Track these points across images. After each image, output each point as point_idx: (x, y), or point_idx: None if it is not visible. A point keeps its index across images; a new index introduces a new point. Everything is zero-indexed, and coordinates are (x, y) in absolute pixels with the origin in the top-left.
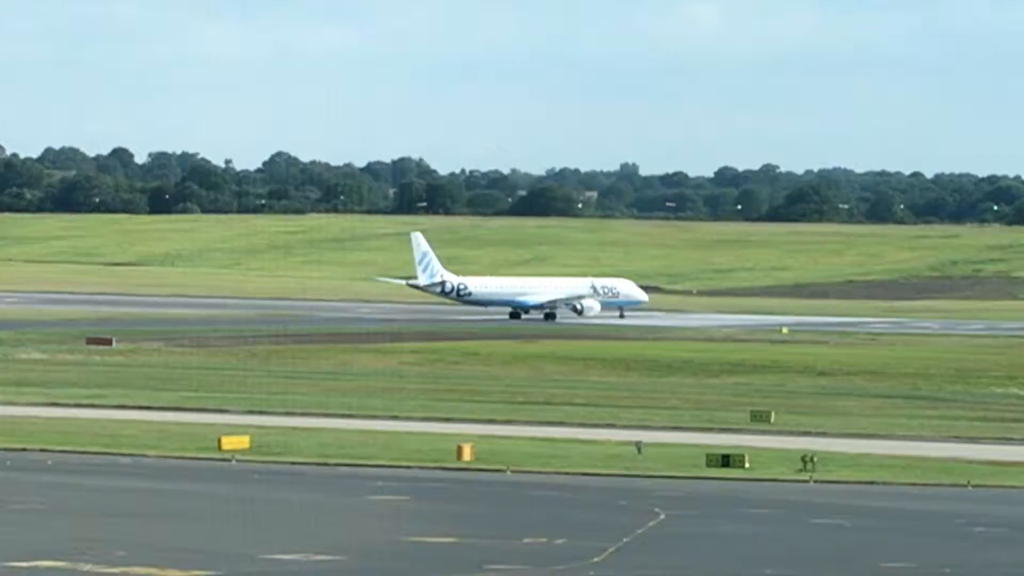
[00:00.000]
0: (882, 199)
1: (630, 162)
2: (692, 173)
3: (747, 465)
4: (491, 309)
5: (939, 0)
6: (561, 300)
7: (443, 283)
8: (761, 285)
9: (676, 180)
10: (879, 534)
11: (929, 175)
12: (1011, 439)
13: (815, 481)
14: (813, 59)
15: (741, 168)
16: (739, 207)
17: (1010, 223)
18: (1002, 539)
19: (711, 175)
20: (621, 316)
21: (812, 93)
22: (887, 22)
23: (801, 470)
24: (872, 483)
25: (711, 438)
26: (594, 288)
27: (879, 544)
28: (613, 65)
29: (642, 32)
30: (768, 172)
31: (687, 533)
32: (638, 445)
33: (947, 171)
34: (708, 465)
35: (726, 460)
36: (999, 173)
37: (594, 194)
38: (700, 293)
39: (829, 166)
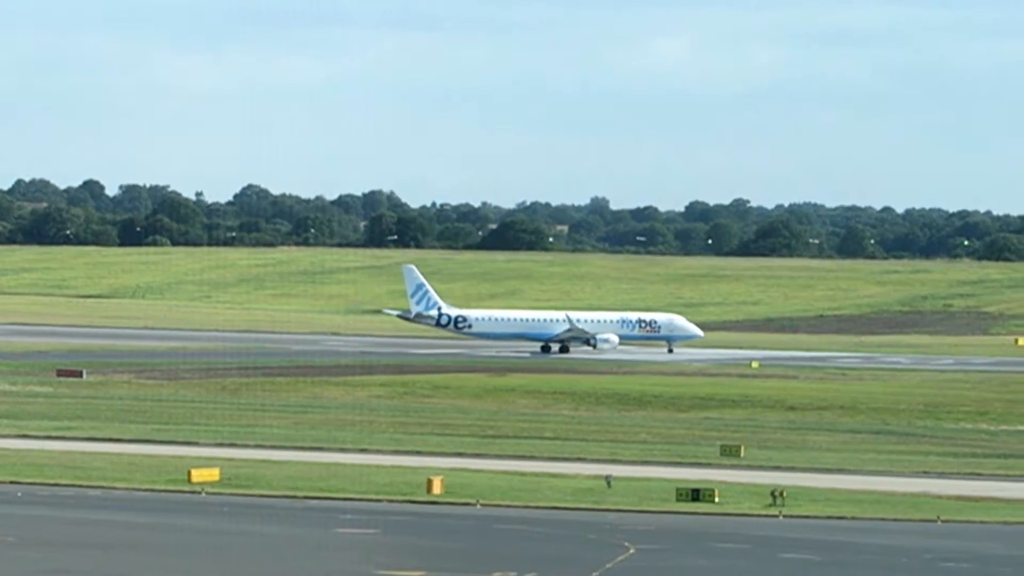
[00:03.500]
0: (852, 234)
1: (601, 196)
2: (663, 207)
3: (717, 499)
4: (512, 343)
5: (907, 35)
6: (577, 333)
7: (440, 315)
8: (731, 319)
9: (647, 214)
10: (848, 569)
11: (899, 210)
12: (980, 474)
13: (784, 516)
14: (783, 94)
15: (712, 202)
16: (709, 241)
17: (980, 258)
18: (970, 574)
19: (682, 209)
20: (670, 351)
21: (782, 128)
22: (855, 57)
23: (770, 504)
24: (841, 518)
25: (681, 472)
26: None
27: None
28: (583, 99)
29: (612, 66)
30: (739, 207)
31: (656, 568)
32: (608, 479)
33: (918, 206)
34: (678, 499)
35: (696, 494)
36: (970, 208)
37: (565, 228)
38: None
39: (799, 201)
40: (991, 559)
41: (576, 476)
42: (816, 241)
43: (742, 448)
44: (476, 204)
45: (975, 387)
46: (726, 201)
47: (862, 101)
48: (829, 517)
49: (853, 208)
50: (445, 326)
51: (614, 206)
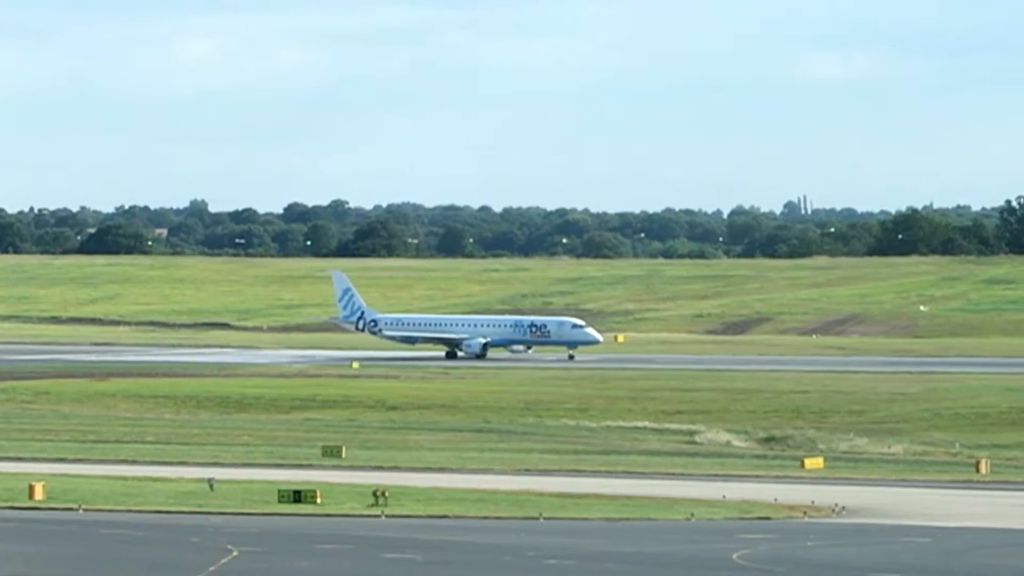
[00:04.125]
0: (451, 233)
1: (199, 199)
2: (261, 210)
3: (319, 500)
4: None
5: (429, 36)
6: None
7: (360, 319)
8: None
9: (245, 217)
10: (452, 568)
11: (498, 209)
12: (582, 471)
13: (387, 516)
14: (369, 96)
15: (310, 204)
16: (308, 243)
17: (579, 256)
18: (573, 571)
19: (280, 211)
20: (571, 357)
21: (377, 128)
22: (395, 56)
23: (373, 505)
24: (444, 517)
25: (283, 474)
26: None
27: None
28: (168, 103)
29: (189, 70)
30: (337, 208)
31: (259, 570)
32: (210, 482)
33: (515, 205)
34: (280, 501)
35: (298, 496)
36: (568, 206)
37: (164, 231)
38: (270, 329)
39: (398, 201)
40: (594, 555)
41: (179, 479)
42: (415, 241)
43: (343, 449)
44: (75, 209)
45: (576, 384)
46: (325, 202)
47: (453, 102)
48: (431, 516)
49: (452, 207)
50: (361, 330)
51: (213, 209)
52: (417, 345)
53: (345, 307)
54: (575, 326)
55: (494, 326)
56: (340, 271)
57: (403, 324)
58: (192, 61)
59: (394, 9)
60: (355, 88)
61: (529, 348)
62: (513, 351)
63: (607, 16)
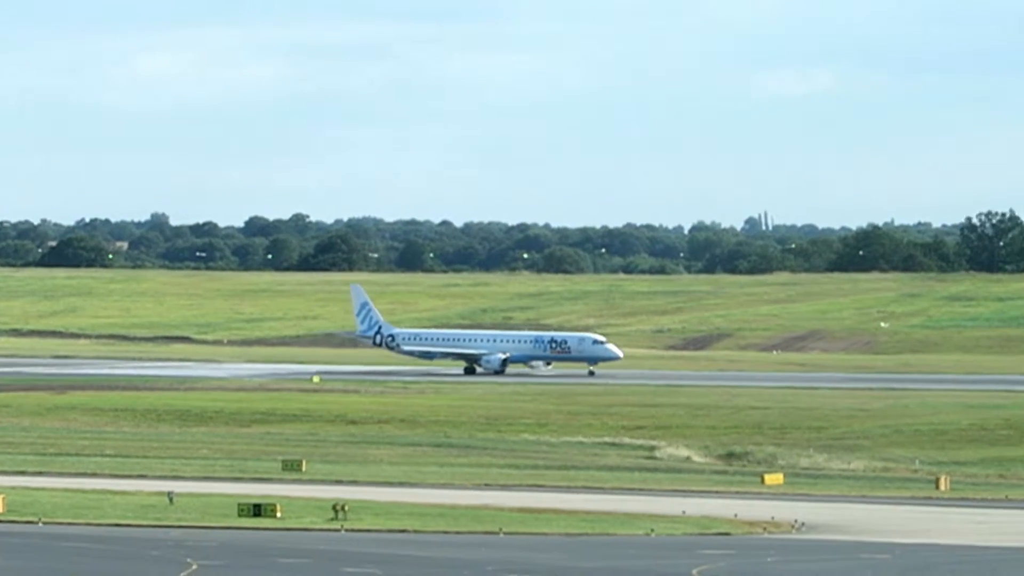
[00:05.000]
0: (411, 247)
1: (160, 212)
2: (222, 223)
3: (279, 515)
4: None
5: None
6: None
7: (378, 333)
8: (292, 334)
9: (206, 230)
10: None
11: (458, 223)
12: (542, 486)
13: (347, 530)
14: (330, 110)
15: (271, 218)
16: (269, 256)
17: (539, 271)
18: None
19: (241, 225)
20: (591, 373)
21: (338, 142)
22: (357, 72)
23: (333, 519)
24: (404, 531)
25: (243, 487)
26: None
27: None
28: (136, 115)
29: (156, 81)
30: (298, 222)
31: None
32: (170, 495)
33: (476, 219)
34: (240, 515)
35: (258, 510)
36: (528, 221)
37: (124, 244)
38: (231, 343)
39: (359, 215)
40: (553, 570)
41: (138, 493)
42: (375, 255)
43: (304, 463)
44: (36, 222)
45: (535, 399)
46: (286, 216)
47: (411, 115)
48: (391, 531)
49: (412, 222)
50: (379, 345)
51: (174, 222)
52: (435, 360)
53: (363, 321)
54: (596, 342)
55: (514, 341)
56: (359, 285)
57: (421, 339)
58: (154, 75)
59: (357, 24)
60: (316, 102)
61: (548, 364)
62: (532, 367)
63: (570, 33)
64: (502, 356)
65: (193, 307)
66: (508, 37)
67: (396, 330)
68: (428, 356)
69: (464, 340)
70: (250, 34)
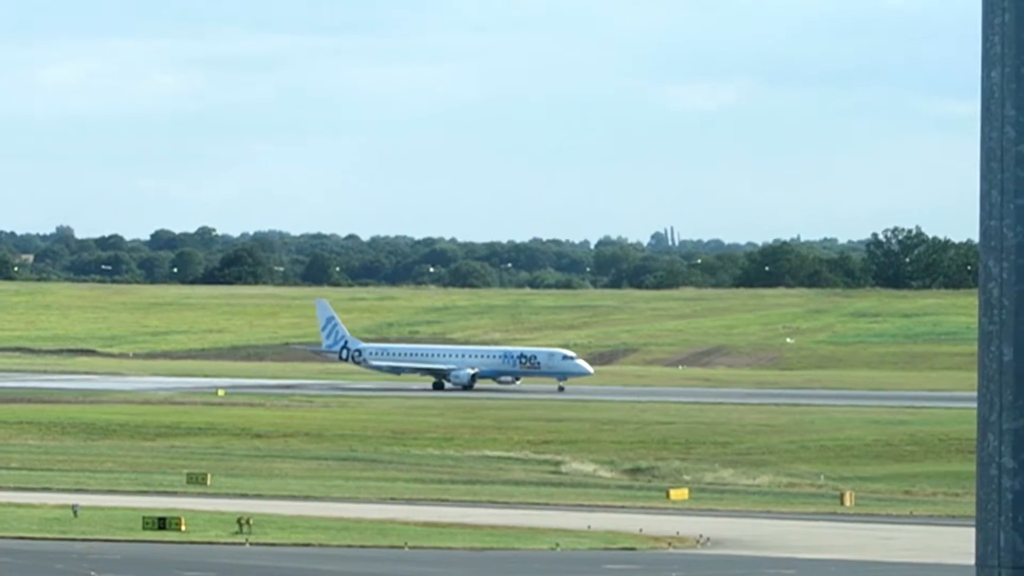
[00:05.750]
0: (317, 261)
1: (65, 225)
2: (128, 236)
3: (183, 528)
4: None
5: (293, 64)
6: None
7: (344, 348)
8: (197, 348)
9: (112, 243)
10: None
11: (365, 237)
12: (447, 501)
13: (251, 543)
14: (236, 123)
15: (177, 231)
16: (175, 270)
17: (446, 285)
18: None
19: (147, 238)
20: (561, 389)
21: (244, 156)
22: (260, 83)
23: (237, 532)
24: (308, 545)
25: (147, 501)
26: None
27: None
28: (41, 126)
29: (60, 91)
30: (204, 235)
31: None
32: (74, 508)
33: (383, 233)
34: (144, 528)
35: (162, 523)
36: (435, 235)
37: (30, 257)
38: (136, 356)
39: (264, 228)
40: None
41: (43, 506)
42: (281, 269)
43: (209, 476)
44: None
45: (442, 413)
46: (191, 229)
47: (317, 128)
48: (296, 544)
49: (319, 236)
50: (346, 360)
51: (79, 235)
52: (402, 376)
53: (328, 336)
54: (565, 357)
55: (483, 357)
56: (324, 300)
57: (389, 354)
58: (58, 85)
59: (260, 36)
60: (222, 115)
61: (517, 379)
62: (501, 382)
63: (474, 44)
64: (471, 371)
65: (98, 320)
66: (414, 49)
67: (363, 344)
68: (396, 371)
69: (433, 355)
70: (155, 46)
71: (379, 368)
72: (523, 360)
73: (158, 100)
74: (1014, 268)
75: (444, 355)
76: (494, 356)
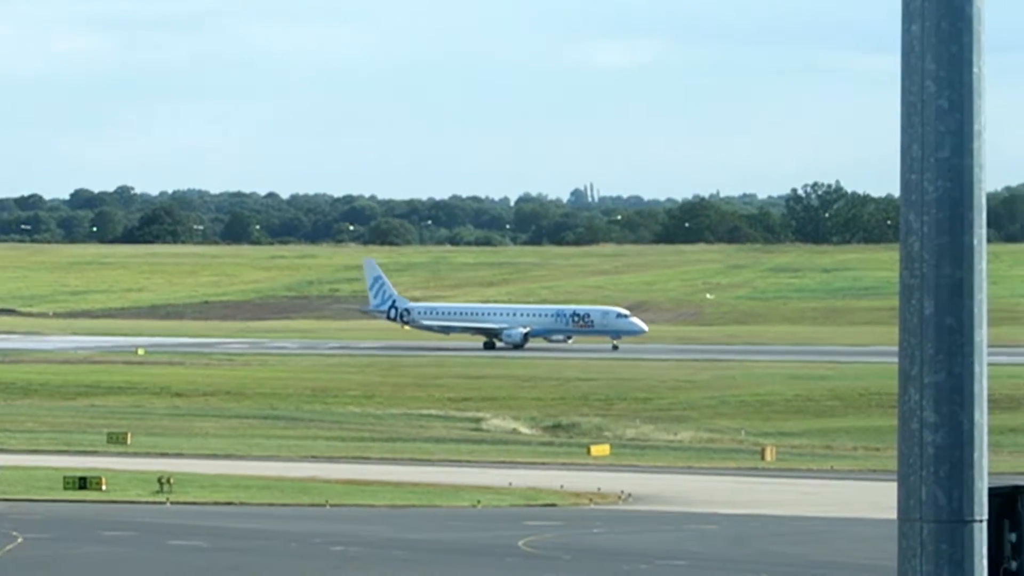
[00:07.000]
0: (237, 220)
1: None
2: (47, 196)
3: (104, 487)
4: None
5: (211, 23)
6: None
7: (392, 307)
8: (117, 307)
9: (31, 203)
10: (237, 554)
11: (285, 196)
12: (368, 458)
13: (172, 502)
14: (155, 82)
15: (96, 190)
16: (95, 229)
17: (365, 243)
18: (359, 558)
19: (66, 197)
20: (615, 347)
21: (163, 115)
22: (175, 45)
23: (158, 491)
24: (230, 503)
25: (68, 460)
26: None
27: (238, 565)
28: None
29: None
30: (123, 194)
31: (45, 556)
32: None
33: (302, 191)
34: (65, 488)
35: (83, 482)
36: (354, 193)
37: None
38: (56, 315)
39: (184, 187)
40: (380, 542)
41: None
42: (200, 228)
43: (129, 435)
44: None
45: (362, 371)
46: (111, 188)
47: (205, 86)
48: (217, 503)
49: (238, 194)
50: (393, 320)
51: None
52: (452, 335)
53: (376, 295)
54: (619, 315)
55: (535, 315)
56: (372, 259)
57: (439, 313)
58: None
59: None
60: (141, 74)
61: (569, 338)
62: (552, 341)
63: (393, 3)
64: (523, 330)
65: (18, 279)
66: (332, 7)
67: (412, 304)
68: (446, 331)
69: (484, 314)
70: (71, 7)
71: (429, 328)
72: (576, 319)
73: (76, 61)
74: (934, 222)
75: (496, 314)
76: (546, 315)
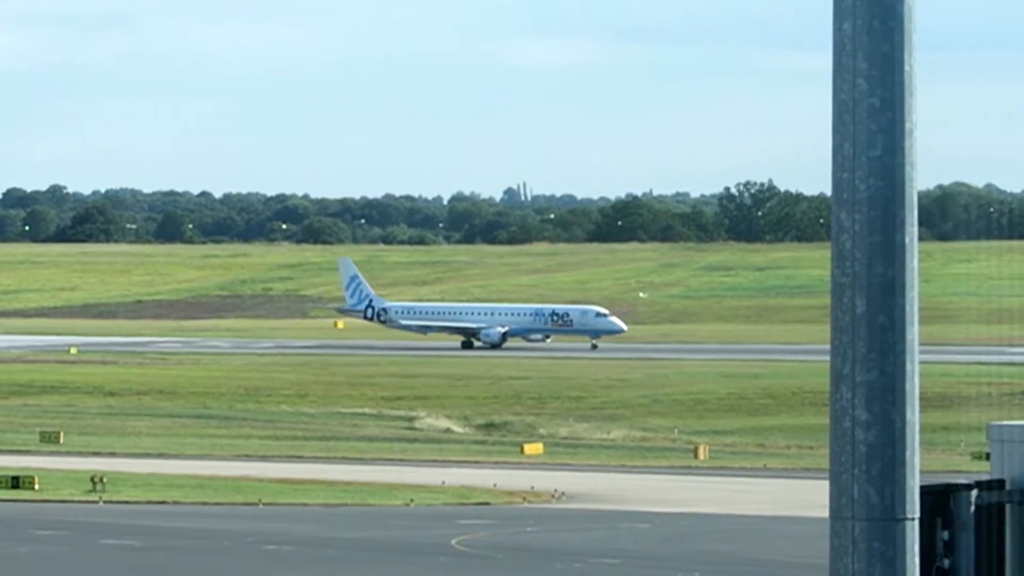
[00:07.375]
0: (170, 219)
1: None
2: None
3: (37, 487)
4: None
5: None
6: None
7: (369, 306)
8: (49, 306)
9: None
10: (170, 553)
11: (218, 195)
12: (301, 457)
13: (105, 502)
14: (88, 81)
15: (28, 189)
16: (27, 228)
17: (299, 241)
18: (292, 556)
19: None
20: (594, 347)
21: (95, 113)
22: (99, 42)
23: (91, 491)
24: (163, 503)
25: (1, 460)
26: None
27: (171, 564)
28: None
29: None
30: (55, 193)
31: None
32: None
33: (235, 191)
34: None
35: (15, 482)
36: (288, 192)
37: None
38: None
39: (116, 187)
40: (312, 541)
41: None
42: (133, 227)
43: (62, 434)
44: None
45: (295, 370)
46: (43, 187)
47: (137, 85)
48: (150, 502)
49: (171, 193)
50: (371, 319)
51: None
52: (429, 335)
53: (352, 295)
54: (599, 315)
55: (514, 315)
56: (348, 258)
57: (417, 313)
58: None
59: None
60: (73, 73)
61: (547, 338)
62: (531, 340)
63: (326, 3)
64: (502, 330)
65: None
66: (264, 6)
67: (389, 303)
68: (424, 330)
69: (462, 313)
70: (3, 3)
71: (407, 327)
72: (555, 318)
73: (7, 59)
74: (866, 220)
75: (474, 313)
76: (525, 314)
